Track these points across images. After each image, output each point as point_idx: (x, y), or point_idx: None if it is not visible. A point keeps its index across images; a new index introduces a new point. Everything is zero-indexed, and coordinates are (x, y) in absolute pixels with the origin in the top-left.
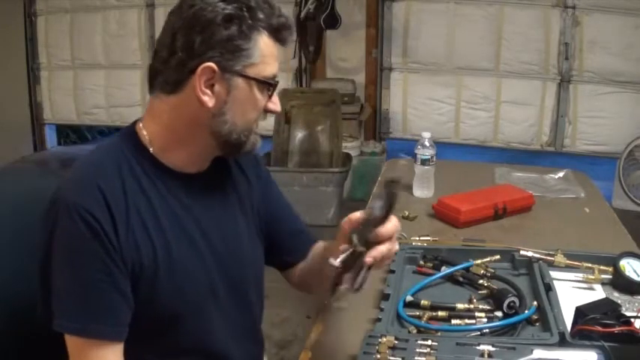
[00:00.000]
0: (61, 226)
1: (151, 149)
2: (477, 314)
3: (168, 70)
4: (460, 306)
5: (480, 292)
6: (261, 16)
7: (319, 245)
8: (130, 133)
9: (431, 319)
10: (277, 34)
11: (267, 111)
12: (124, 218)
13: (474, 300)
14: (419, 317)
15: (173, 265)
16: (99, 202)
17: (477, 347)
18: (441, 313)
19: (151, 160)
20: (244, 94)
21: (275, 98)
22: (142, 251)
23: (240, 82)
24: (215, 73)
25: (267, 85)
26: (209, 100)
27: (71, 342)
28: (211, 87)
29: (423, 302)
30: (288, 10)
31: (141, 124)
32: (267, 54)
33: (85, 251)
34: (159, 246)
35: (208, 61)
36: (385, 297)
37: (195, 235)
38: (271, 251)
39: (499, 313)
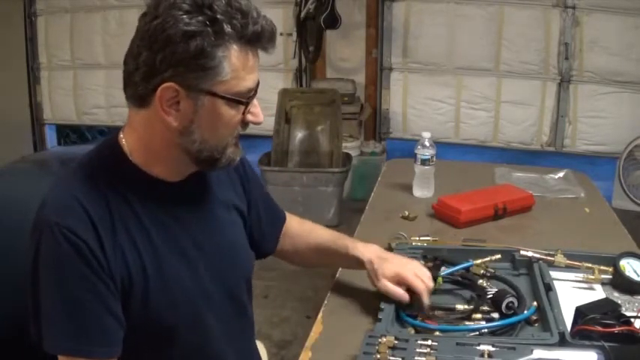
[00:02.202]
0: (45, 248)
1: (133, 160)
2: (473, 315)
3: (134, 84)
4: (460, 307)
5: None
6: (228, 29)
7: (324, 236)
8: (111, 144)
9: (431, 319)
10: (254, 43)
11: (246, 123)
12: (110, 235)
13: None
14: (419, 317)
15: (165, 277)
16: (83, 220)
17: (477, 347)
18: (440, 313)
19: (135, 171)
20: (213, 112)
21: (256, 109)
22: (131, 267)
23: (207, 100)
24: (178, 91)
25: (240, 102)
26: (173, 120)
27: None
28: (177, 104)
29: None
30: (288, 10)
31: (122, 135)
32: (239, 68)
33: (71, 272)
34: (148, 260)
35: (169, 80)
36: (385, 297)
37: (186, 245)
38: (257, 241)
39: (498, 314)
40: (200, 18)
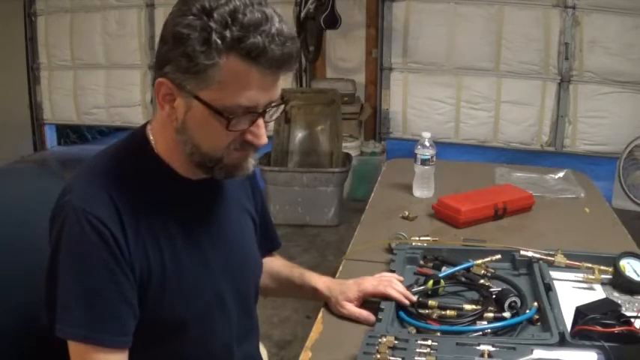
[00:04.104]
0: (68, 233)
1: (159, 154)
2: (485, 314)
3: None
4: (467, 307)
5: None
6: (216, 38)
7: (291, 271)
8: (139, 135)
9: (434, 319)
10: (256, 59)
11: (246, 141)
12: (134, 226)
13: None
14: (426, 317)
15: (181, 274)
16: (109, 209)
17: (477, 347)
18: (449, 312)
19: (160, 165)
20: (201, 118)
21: (259, 130)
22: (151, 260)
23: (195, 104)
24: (171, 88)
25: (222, 115)
26: (167, 115)
27: (74, 349)
28: (173, 101)
29: (431, 302)
30: (288, 10)
31: (149, 127)
32: (230, 81)
33: (93, 259)
34: (167, 254)
35: (164, 75)
36: (385, 297)
37: (202, 242)
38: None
39: (509, 314)
40: (198, 22)
